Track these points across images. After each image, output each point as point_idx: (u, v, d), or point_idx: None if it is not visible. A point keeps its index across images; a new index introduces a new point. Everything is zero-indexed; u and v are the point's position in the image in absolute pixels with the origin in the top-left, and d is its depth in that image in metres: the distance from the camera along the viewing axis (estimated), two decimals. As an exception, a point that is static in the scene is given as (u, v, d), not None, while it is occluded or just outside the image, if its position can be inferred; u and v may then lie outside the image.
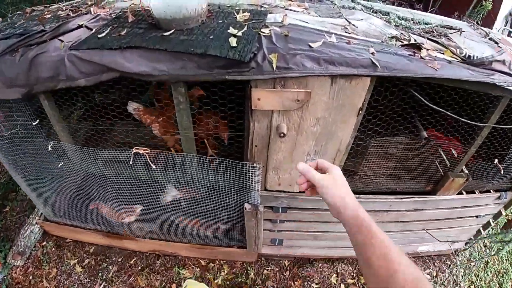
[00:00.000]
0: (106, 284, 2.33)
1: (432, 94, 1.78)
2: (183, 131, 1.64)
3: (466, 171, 1.90)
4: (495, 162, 1.88)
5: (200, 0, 1.47)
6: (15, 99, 1.57)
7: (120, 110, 1.77)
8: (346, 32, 1.57)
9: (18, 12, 2.03)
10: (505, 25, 4.28)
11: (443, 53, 1.57)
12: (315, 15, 1.77)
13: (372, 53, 1.38)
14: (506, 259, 2.48)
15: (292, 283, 2.29)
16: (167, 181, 1.94)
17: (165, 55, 1.33)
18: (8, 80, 1.47)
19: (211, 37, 1.38)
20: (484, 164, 1.89)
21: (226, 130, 1.95)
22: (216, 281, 2.31)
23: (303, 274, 2.35)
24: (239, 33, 1.39)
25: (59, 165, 2.00)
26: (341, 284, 2.30)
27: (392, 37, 1.61)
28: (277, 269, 2.37)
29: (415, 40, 1.60)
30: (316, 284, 2.30)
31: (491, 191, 2.05)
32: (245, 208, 1.90)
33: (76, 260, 2.48)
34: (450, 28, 1.82)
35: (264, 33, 1.40)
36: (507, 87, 1.46)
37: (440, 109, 1.55)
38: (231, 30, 1.43)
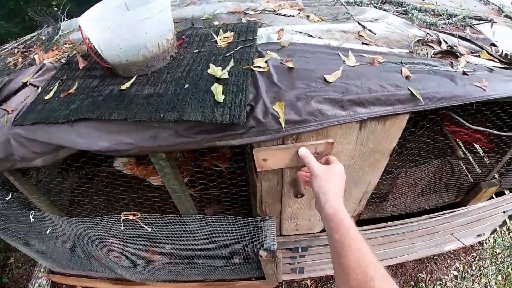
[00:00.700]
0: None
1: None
2: (174, 194, 1.20)
3: (498, 177, 1.52)
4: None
5: (162, 30, 0.97)
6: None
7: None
8: (363, 43, 1.10)
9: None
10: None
11: (479, 55, 1.12)
12: (316, 19, 1.27)
13: (407, 77, 0.93)
14: (530, 242, 2.21)
15: (316, 303, 2.00)
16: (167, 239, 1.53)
17: (127, 123, 0.86)
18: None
19: (186, 86, 0.91)
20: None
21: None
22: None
23: (328, 291, 2.05)
24: (225, 74, 0.92)
25: (47, 232, 1.60)
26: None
27: (418, 41, 1.14)
28: (299, 291, 2.07)
29: (446, 43, 1.14)
30: None
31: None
32: (261, 257, 1.52)
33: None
34: (480, 19, 1.34)
35: (259, 68, 0.93)
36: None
37: (481, 128, 1.13)
38: (213, 69, 0.95)
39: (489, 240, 2.16)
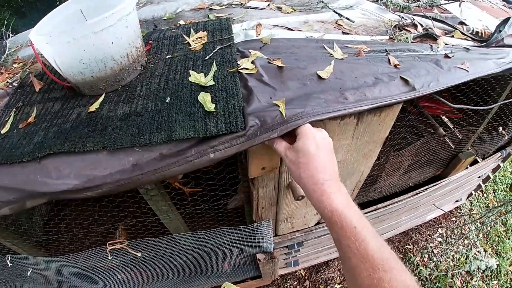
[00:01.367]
0: None
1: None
2: (162, 215, 1.12)
3: (474, 148, 1.62)
4: (500, 130, 1.61)
5: (131, 37, 0.86)
6: None
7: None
8: (344, 33, 1.07)
9: None
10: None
11: (453, 36, 1.16)
12: (289, 10, 1.22)
13: (396, 66, 0.92)
14: (503, 198, 2.42)
15: (314, 291, 2.04)
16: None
17: (102, 152, 0.75)
18: None
19: (168, 99, 0.82)
20: (489, 135, 1.61)
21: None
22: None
23: (323, 279, 2.09)
24: (210, 81, 0.84)
25: (28, 273, 1.42)
26: (362, 276, 2.09)
27: (395, 26, 1.14)
28: (295, 283, 2.09)
29: (422, 26, 1.16)
30: (339, 284, 2.07)
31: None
32: (259, 260, 1.49)
33: None
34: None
35: (247, 69, 0.86)
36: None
37: (462, 106, 1.17)
38: (194, 76, 0.87)
39: (465, 204, 2.34)
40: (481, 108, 1.19)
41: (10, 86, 1.01)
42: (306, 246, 1.68)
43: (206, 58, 0.93)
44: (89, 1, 0.93)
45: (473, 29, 1.21)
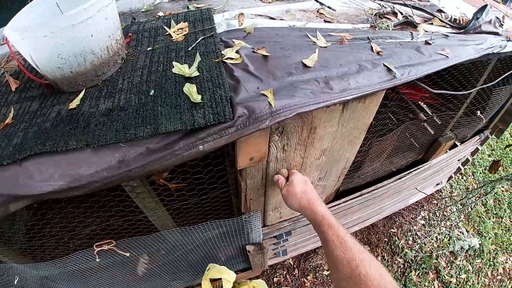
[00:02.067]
0: None
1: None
2: (150, 213, 1.11)
3: (454, 132, 1.70)
4: (478, 114, 1.69)
5: (111, 29, 0.84)
6: None
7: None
8: (326, 21, 1.09)
9: None
10: None
11: (432, 23, 1.21)
12: (271, 0, 1.22)
13: (379, 53, 0.95)
14: (482, 179, 2.55)
15: (304, 279, 2.10)
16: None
17: (86, 150, 0.74)
18: None
19: (152, 92, 0.81)
20: (468, 119, 1.69)
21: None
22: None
23: (311, 266, 2.15)
24: (195, 72, 0.84)
25: (15, 281, 1.37)
26: (350, 261, 2.16)
27: (376, 15, 1.17)
28: (285, 272, 2.14)
29: (402, 14, 1.20)
30: (327, 270, 2.13)
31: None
32: (249, 252, 1.52)
33: None
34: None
35: (232, 59, 0.86)
36: (501, 51, 1.17)
37: (443, 91, 1.22)
38: (178, 67, 0.86)
39: (446, 187, 2.46)
40: (461, 93, 1.25)
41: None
42: (294, 235, 1.72)
43: (189, 49, 0.92)
44: (64, -7, 0.90)
45: (451, 17, 1.26)
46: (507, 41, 1.15)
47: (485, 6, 1.21)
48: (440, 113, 1.53)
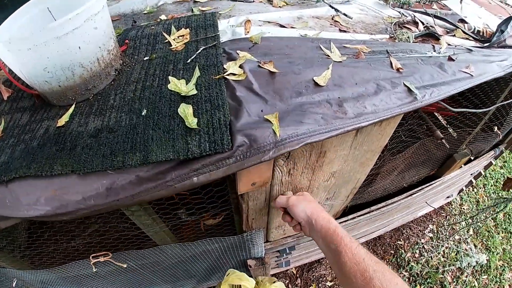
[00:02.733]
0: None
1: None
2: (147, 228, 1.03)
3: (469, 148, 1.58)
4: (495, 130, 1.56)
5: (101, 39, 0.75)
6: None
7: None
8: (341, 30, 0.98)
9: None
10: None
11: (454, 35, 1.08)
12: (281, 4, 1.11)
13: (399, 70, 0.84)
14: (493, 192, 2.41)
15: (306, 289, 2.01)
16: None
17: (73, 176, 0.66)
18: None
19: (144, 112, 0.72)
20: (484, 134, 1.56)
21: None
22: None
23: (314, 277, 2.07)
24: (192, 90, 0.74)
25: (13, 284, 1.32)
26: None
27: (395, 24, 1.05)
28: (287, 281, 2.06)
29: (423, 23, 1.07)
30: (330, 281, 2.04)
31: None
32: (250, 266, 1.43)
33: None
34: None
35: (234, 75, 0.76)
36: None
37: (463, 109, 1.11)
38: (174, 83, 0.77)
39: (456, 199, 2.33)
40: (481, 110, 1.13)
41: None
42: (298, 249, 1.63)
43: (188, 61, 0.83)
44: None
45: (474, 28, 1.14)
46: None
47: (510, 18, 1.09)
48: (457, 129, 1.41)
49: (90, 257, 1.09)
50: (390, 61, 0.87)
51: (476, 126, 1.41)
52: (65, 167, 0.64)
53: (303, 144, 0.65)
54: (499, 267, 2.07)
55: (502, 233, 2.23)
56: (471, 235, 2.17)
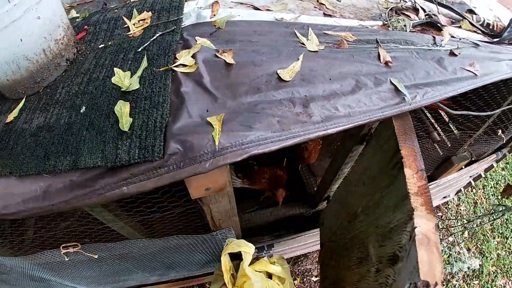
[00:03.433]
0: None
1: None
2: (111, 223, 0.90)
3: (469, 151, 1.34)
4: (499, 134, 1.32)
5: (46, 29, 0.60)
6: None
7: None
8: (326, 15, 0.77)
9: None
10: None
11: (460, 26, 0.85)
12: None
13: (387, 64, 0.63)
14: (492, 194, 2.15)
15: (293, 280, 1.86)
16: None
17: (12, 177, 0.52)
18: None
19: (83, 109, 0.58)
20: (487, 137, 1.32)
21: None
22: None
23: (300, 271, 1.92)
24: (133, 83, 0.58)
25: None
26: (341, 266, 1.90)
27: (392, 9, 0.83)
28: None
29: (424, 11, 0.85)
30: (316, 276, 1.89)
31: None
32: (229, 262, 1.29)
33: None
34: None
35: (183, 66, 0.59)
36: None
37: (464, 112, 0.89)
38: (118, 75, 0.60)
39: (453, 199, 2.09)
40: (485, 114, 0.91)
41: None
42: (278, 246, 1.48)
43: (140, 49, 0.65)
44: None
45: (483, 20, 0.90)
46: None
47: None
48: (457, 131, 1.18)
49: (61, 247, 0.99)
50: (378, 52, 0.66)
51: (478, 129, 1.18)
52: (5, 168, 0.54)
53: (247, 155, 0.48)
54: (492, 272, 1.84)
55: (498, 238, 1.99)
56: (466, 237, 1.94)
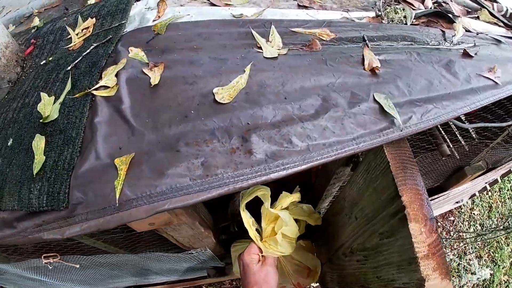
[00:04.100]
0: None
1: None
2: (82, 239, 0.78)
3: (484, 160, 1.08)
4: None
5: None
6: None
7: None
8: (301, 6, 0.58)
9: None
10: None
11: (478, 17, 0.61)
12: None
13: (373, 71, 0.43)
14: (508, 198, 1.82)
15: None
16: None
17: None
18: None
19: (10, 141, 0.46)
20: (506, 145, 1.05)
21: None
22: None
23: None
24: (54, 113, 0.43)
25: None
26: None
27: (389, -4, 0.61)
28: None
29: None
30: (316, 282, 1.69)
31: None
32: (208, 275, 1.15)
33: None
34: None
35: (105, 88, 0.42)
36: None
37: (483, 124, 0.66)
38: (44, 101, 0.46)
39: (467, 202, 1.80)
40: (505, 124, 0.66)
41: None
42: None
43: (69, 67, 0.50)
44: None
45: (506, 10, 0.65)
46: None
47: None
48: (471, 140, 0.93)
49: (42, 257, 0.91)
50: (363, 55, 0.46)
51: (496, 138, 0.92)
52: None
53: (154, 213, 0.32)
54: (503, 282, 1.56)
55: (512, 245, 1.69)
56: (478, 244, 1.66)
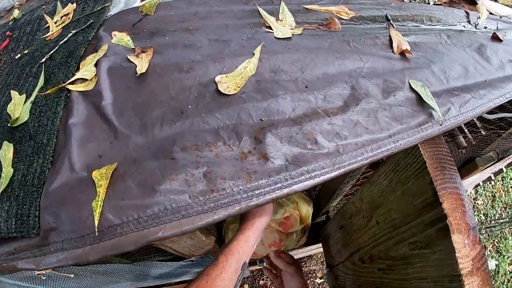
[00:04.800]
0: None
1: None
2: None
3: (495, 151, 1.00)
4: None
5: None
6: None
7: None
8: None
9: None
10: None
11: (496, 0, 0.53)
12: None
13: (403, 54, 0.34)
14: (511, 187, 1.76)
15: (296, 280, 1.64)
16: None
17: None
18: None
19: None
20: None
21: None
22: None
23: (304, 272, 1.67)
24: (24, 115, 0.35)
25: None
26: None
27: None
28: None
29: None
30: (320, 278, 1.64)
31: None
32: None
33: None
34: None
35: (83, 81, 0.33)
36: None
37: (505, 114, 0.57)
38: (13, 102, 0.37)
39: (471, 192, 1.74)
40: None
41: None
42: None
43: (43, 59, 0.41)
44: None
45: None
46: None
47: None
48: (487, 131, 0.85)
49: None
50: (390, 35, 0.38)
51: (509, 128, 0.84)
52: None
53: (145, 243, 0.23)
54: (508, 272, 1.51)
55: (517, 235, 1.64)
56: (483, 235, 1.61)
